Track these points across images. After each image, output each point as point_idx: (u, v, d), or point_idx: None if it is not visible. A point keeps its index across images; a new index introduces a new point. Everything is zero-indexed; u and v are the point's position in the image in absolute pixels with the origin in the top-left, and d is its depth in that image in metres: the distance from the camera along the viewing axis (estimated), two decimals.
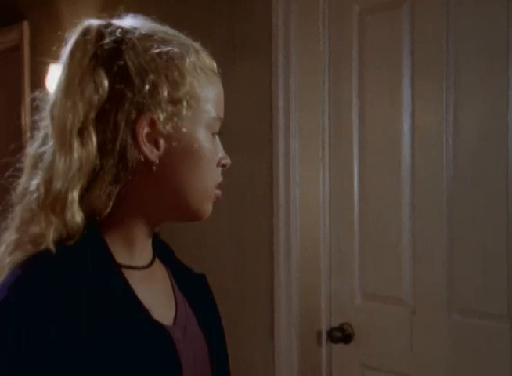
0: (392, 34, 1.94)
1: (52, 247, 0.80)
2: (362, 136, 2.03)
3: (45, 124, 0.86)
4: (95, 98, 0.81)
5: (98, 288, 0.80)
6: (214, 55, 0.93)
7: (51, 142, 0.83)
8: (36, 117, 0.88)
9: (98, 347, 0.77)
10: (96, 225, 0.84)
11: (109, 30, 0.85)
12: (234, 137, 2.10)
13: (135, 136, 0.82)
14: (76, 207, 0.81)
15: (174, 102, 0.84)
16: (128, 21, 0.89)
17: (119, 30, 0.85)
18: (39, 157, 0.85)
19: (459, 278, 1.80)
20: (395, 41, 1.93)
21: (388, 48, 1.96)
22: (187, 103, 0.85)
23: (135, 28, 0.86)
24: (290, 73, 2.08)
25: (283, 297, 2.10)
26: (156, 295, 0.90)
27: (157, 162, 0.84)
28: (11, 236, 0.85)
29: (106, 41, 0.84)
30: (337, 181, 2.10)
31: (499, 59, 1.71)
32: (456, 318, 1.81)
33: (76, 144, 0.81)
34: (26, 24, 3.41)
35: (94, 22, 0.87)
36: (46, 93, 0.88)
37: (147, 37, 0.85)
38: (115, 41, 0.84)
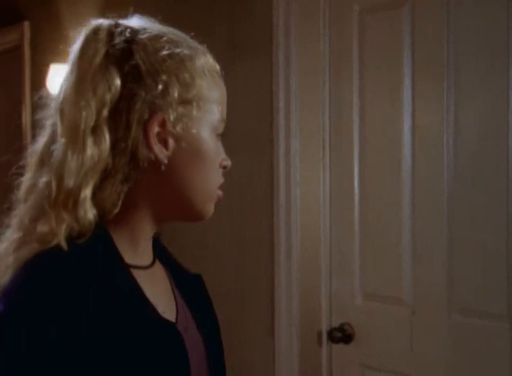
0: (392, 34, 1.94)
1: (63, 244, 0.79)
2: (363, 136, 2.04)
3: (53, 121, 0.85)
4: (108, 96, 0.82)
5: (109, 287, 0.80)
6: (214, 55, 0.93)
7: (62, 140, 0.82)
8: (40, 115, 0.88)
9: (110, 345, 0.77)
10: (104, 224, 0.84)
11: (119, 30, 0.86)
12: (234, 137, 2.10)
13: (146, 135, 0.83)
14: (89, 204, 0.81)
15: (185, 103, 0.85)
16: (135, 22, 0.89)
17: (128, 30, 0.86)
18: (46, 155, 0.84)
19: (459, 278, 1.80)
20: (396, 41, 1.93)
21: (388, 48, 1.96)
22: (196, 104, 0.86)
23: (144, 29, 0.87)
24: (290, 73, 2.08)
25: (283, 297, 2.10)
26: (159, 295, 0.91)
27: (166, 162, 0.85)
28: (13, 234, 0.85)
29: (117, 40, 0.84)
30: (338, 181, 2.10)
31: (499, 59, 1.71)
32: (456, 318, 1.81)
33: (89, 142, 0.81)
34: (26, 24, 3.41)
35: (103, 21, 0.87)
36: (50, 91, 0.88)
37: (157, 38, 0.86)
38: (126, 41, 0.85)
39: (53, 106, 0.86)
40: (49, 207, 0.81)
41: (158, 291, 0.91)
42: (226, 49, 2.23)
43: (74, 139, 0.81)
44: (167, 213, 0.90)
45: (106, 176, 0.82)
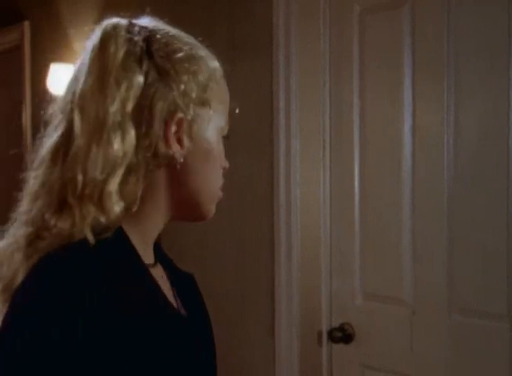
0: (393, 34, 1.94)
1: (90, 238, 0.79)
2: (363, 136, 2.04)
3: (66, 118, 0.85)
4: (131, 93, 0.82)
5: (133, 284, 0.81)
6: (214, 55, 0.94)
7: (83, 136, 0.82)
8: (45, 111, 0.88)
9: (136, 343, 0.76)
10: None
11: (136, 29, 0.86)
12: (235, 137, 2.09)
13: (165, 134, 0.84)
14: (116, 197, 0.81)
15: (200, 104, 0.87)
16: (147, 22, 0.90)
17: (144, 29, 0.87)
18: (60, 151, 0.84)
19: (459, 278, 1.80)
20: (396, 41, 1.93)
21: (389, 48, 1.96)
22: (209, 106, 0.88)
23: (159, 29, 0.88)
24: (290, 73, 2.08)
25: (283, 297, 2.10)
26: (167, 293, 0.92)
27: (182, 161, 0.86)
28: (20, 230, 0.84)
29: (136, 39, 0.85)
30: (338, 181, 2.10)
31: (499, 59, 1.71)
32: (456, 318, 1.82)
33: (115, 137, 0.81)
34: (26, 24, 3.41)
35: (120, 20, 0.88)
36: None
37: (174, 39, 0.88)
38: (144, 40, 0.85)
39: (63, 103, 0.86)
40: (74, 200, 0.80)
41: (165, 289, 0.92)
42: (226, 49, 2.23)
43: (99, 134, 0.81)
44: (176, 212, 0.91)
45: (129, 171, 0.83)
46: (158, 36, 0.87)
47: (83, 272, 0.76)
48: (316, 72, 2.11)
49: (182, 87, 0.85)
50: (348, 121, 2.07)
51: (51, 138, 0.86)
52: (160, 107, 0.83)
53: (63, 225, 0.80)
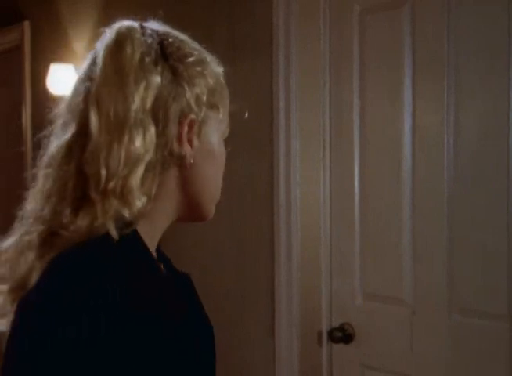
0: (393, 34, 1.94)
1: (114, 233, 0.80)
2: (363, 136, 2.04)
3: (79, 115, 0.85)
4: (150, 93, 0.84)
5: (147, 282, 0.82)
6: (214, 55, 0.95)
7: (102, 133, 0.83)
8: (50, 111, 0.89)
9: (151, 340, 0.77)
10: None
11: (148, 31, 0.88)
12: (235, 137, 2.10)
13: (179, 134, 0.87)
14: (138, 191, 0.83)
15: (210, 107, 0.90)
16: (156, 26, 0.92)
17: (156, 33, 0.89)
18: (75, 148, 0.85)
19: (459, 278, 1.80)
20: (396, 41, 1.93)
21: (389, 48, 1.96)
22: (217, 109, 0.92)
23: (170, 34, 0.91)
24: (290, 73, 2.08)
25: (283, 297, 2.10)
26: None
27: (192, 161, 0.88)
28: (31, 227, 0.85)
29: (150, 41, 0.87)
30: (338, 181, 2.10)
31: (499, 59, 1.71)
32: (456, 318, 1.82)
33: (136, 134, 0.83)
34: (27, 24, 3.41)
35: (132, 22, 0.90)
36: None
37: (184, 44, 0.91)
38: (158, 43, 0.88)
39: (72, 102, 0.87)
40: (97, 195, 0.81)
41: None
42: (226, 49, 2.23)
43: (120, 131, 0.82)
44: (179, 212, 0.93)
45: (147, 169, 0.84)
46: (170, 40, 0.89)
47: (98, 270, 0.77)
48: (316, 72, 2.11)
49: (195, 90, 0.87)
50: (348, 121, 2.07)
51: (60, 137, 0.87)
52: (174, 108, 0.86)
53: (81, 222, 0.81)
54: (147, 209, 0.85)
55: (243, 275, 2.25)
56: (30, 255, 0.83)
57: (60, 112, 0.89)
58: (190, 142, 0.88)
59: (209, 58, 0.93)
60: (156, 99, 0.84)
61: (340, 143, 2.09)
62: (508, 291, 1.70)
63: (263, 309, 2.18)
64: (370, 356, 2.03)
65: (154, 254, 0.92)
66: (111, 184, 0.81)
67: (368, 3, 2.02)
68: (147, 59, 0.85)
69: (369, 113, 2.02)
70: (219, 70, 0.94)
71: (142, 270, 0.82)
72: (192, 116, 0.87)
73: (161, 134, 0.85)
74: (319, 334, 2.12)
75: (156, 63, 0.86)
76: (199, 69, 0.89)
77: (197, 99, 0.88)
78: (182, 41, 0.91)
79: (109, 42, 0.87)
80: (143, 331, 0.76)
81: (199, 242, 2.36)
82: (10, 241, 0.87)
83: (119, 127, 0.83)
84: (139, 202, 0.83)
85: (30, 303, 0.78)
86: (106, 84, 0.84)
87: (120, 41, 0.86)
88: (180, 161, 0.88)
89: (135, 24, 0.89)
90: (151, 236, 0.89)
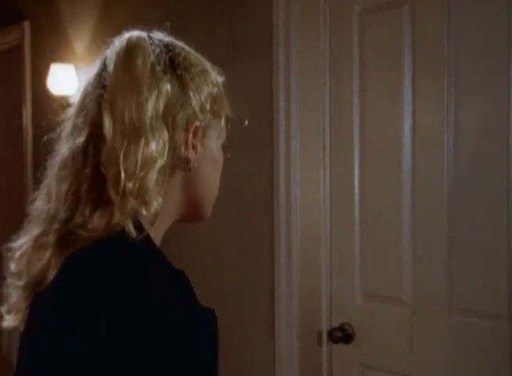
0: (393, 34, 1.94)
1: (132, 231, 0.83)
2: (363, 136, 2.04)
3: (90, 121, 0.89)
4: (162, 100, 0.88)
5: (165, 280, 0.84)
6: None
7: (117, 138, 0.86)
8: (58, 116, 0.93)
9: (157, 342, 0.78)
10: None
11: (156, 42, 0.92)
12: (234, 137, 2.10)
13: (185, 140, 0.91)
14: (155, 191, 0.86)
15: (213, 114, 0.95)
16: (161, 36, 0.96)
17: (163, 43, 0.93)
18: (89, 152, 0.88)
19: (459, 278, 1.80)
20: (396, 41, 1.93)
21: (389, 48, 1.96)
22: (219, 116, 0.97)
23: (176, 44, 0.95)
24: (290, 73, 2.08)
25: (283, 297, 2.10)
26: None
27: (196, 165, 0.93)
28: (46, 226, 0.88)
29: (158, 51, 0.91)
30: (338, 181, 2.10)
31: (499, 59, 1.71)
32: (456, 318, 1.82)
33: (152, 139, 0.86)
34: (27, 24, 3.42)
35: (140, 32, 0.94)
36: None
37: (190, 54, 0.95)
38: (167, 53, 0.92)
39: (82, 108, 0.90)
40: (116, 196, 0.84)
41: None
42: (226, 49, 2.23)
43: (136, 136, 0.86)
44: (182, 211, 0.96)
45: (159, 171, 0.87)
46: (177, 50, 0.93)
47: (115, 271, 0.80)
48: (316, 72, 2.11)
49: (200, 98, 0.92)
50: (348, 121, 2.07)
51: (72, 140, 0.90)
52: (182, 115, 0.90)
53: (98, 221, 0.84)
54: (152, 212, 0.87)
55: (242, 275, 2.25)
56: (47, 253, 0.87)
57: (69, 116, 0.93)
58: (195, 147, 0.92)
59: (210, 68, 0.97)
60: (166, 106, 0.88)
61: (340, 143, 2.09)
62: (508, 291, 1.70)
63: (263, 309, 2.18)
64: (370, 356, 2.03)
65: None
66: (130, 185, 0.84)
67: (368, 3, 2.02)
68: (158, 68, 0.89)
69: (369, 113, 2.02)
70: (220, 79, 0.98)
71: (156, 271, 0.84)
72: (197, 123, 0.91)
73: (171, 139, 0.89)
74: (319, 334, 2.12)
75: (165, 72, 0.90)
76: (203, 78, 0.93)
77: (202, 106, 0.92)
78: (187, 51, 0.95)
79: (121, 51, 0.91)
80: (149, 333, 0.77)
81: (199, 242, 2.37)
82: (24, 240, 0.90)
83: (135, 131, 0.86)
84: (156, 202, 0.86)
85: (47, 301, 0.81)
86: (119, 91, 0.88)
87: (132, 50, 0.90)
88: (184, 164, 0.92)
89: (144, 34, 0.93)
90: (155, 235, 0.91)
